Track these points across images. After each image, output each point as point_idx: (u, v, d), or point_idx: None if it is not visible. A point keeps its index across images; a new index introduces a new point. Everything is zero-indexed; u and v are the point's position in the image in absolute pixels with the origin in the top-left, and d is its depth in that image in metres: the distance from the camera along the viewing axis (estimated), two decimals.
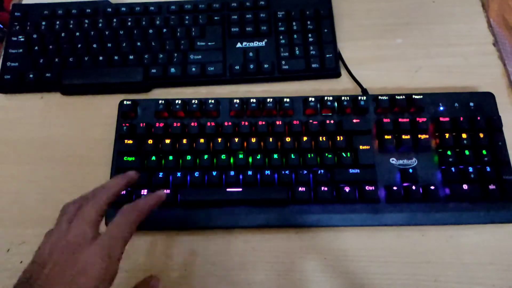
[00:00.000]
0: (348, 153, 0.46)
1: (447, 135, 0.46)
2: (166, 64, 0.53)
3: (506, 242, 0.44)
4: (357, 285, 0.42)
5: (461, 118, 0.46)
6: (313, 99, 0.48)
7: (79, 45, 0.54)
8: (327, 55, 0.53)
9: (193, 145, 0.46)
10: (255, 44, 0.54)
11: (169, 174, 0.45)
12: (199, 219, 0.44)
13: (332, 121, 0.47)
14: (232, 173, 0.45)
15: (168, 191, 0.44)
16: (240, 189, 0.44)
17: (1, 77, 0.53)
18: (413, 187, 0.44)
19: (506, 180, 0.44)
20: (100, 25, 0.56)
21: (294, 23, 0.55)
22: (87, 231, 0.31)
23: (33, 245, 0.44)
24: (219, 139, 0.46)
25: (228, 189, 0.44)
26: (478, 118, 0.46)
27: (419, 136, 0.46)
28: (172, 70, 0.53)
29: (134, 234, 0.34)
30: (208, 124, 0.47)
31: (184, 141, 0.46)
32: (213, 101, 0.48)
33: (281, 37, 0.54)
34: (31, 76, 0.53)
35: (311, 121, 0.47)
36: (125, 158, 0.46)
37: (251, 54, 0.53)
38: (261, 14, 0.55)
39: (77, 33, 0.55)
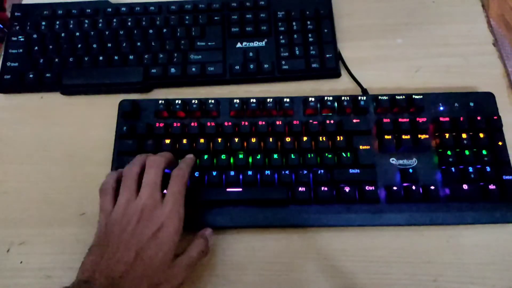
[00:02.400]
0: (348, 153, 0.46)
1: (447, 135, 0.46)
2: (166, 64, 0.53)
3: (506, 242, 0.44)
4: (357, 285, 0.42)
5: (461, 118, 0.46)
6: (313, 99, 0.48)
7: (79, 45, 0.54)
8: (327, 55, 0.53)
9: (193, 145, 0.46)
10: (255, 44, 0.54)
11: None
12: (199, 219, 0.44)
13: (332, 121, 0.47)
14: (232, 173, 0.45)
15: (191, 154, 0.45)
16: (240, 189, 0.44)
17: (1, 77, 0.53)
18: (413, 187, 0.44)
19: (506, 180, 0.44)
20: (100, 25, 0.56)
21: (294, 23, 0.55)
22: (156, 194, 0.38)
23: (33, 245, 0.45)
24: (219, 139, 0.46)
25: (228, 189, 0.44)
26: (478, 118, 0.46)
27: (419, 136, 0.46)
28: (172, 70, 0.53)
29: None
30: (208, 124, 0.47)
31: (184, 141, 0.46)
32: (213, 101, 0.48)
33: (281, 37, 0.54)
34: (31, 76, 0.53)
35: (311, 121, 0.47)
36: (125, 158, 0.46)
37: (251, 54, 0.53)
38: (261, 14, 0.55)
39: (77, 33, 0.55)
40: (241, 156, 0.46)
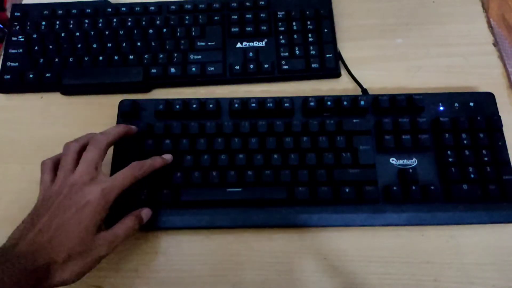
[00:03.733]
0: (348, 153, 0.46)
1: (447, 135, 0.46)
2: (166, 64, 0.53)
3: (506, 242, 0.44)
4: (357, 285, 0.42)
5: (461, 118, 0.46)
6: (313, 99, 0.48)
7: (79, 45, 0.54)
8: (327, 55, 0.53)
9: (193, 145, 0.46)
10: (255, 44, 0.54)
11: (169, 174, 0.45)
12: (199, 219, 0.44)
13: (332, 121, 0.47)
14: (232, 173, 0.45)
15: (170, 155, 0.45)
16: (240, 189, 0.44)
17: (1, 77, 0.53)
18: (413, 187, 0.44)
19: (506, 180, 0.44)
20: (100, 25, 0.55)
21: (294, 23, 0.55)
22: (90, 172, 0.39)
23: None
24: (219, 139, 0.46)
25: (228, 189, 0.44)
26: (478, 118, 0.46)
27: (419, 136, 0.46)
28: (172, 70, 0.53)
29: (136, 232, 0.41)
30: (208, 124, 0.47)
31: (184, 141, 0.46)
32: (213, 101, 0.48)
33: (281, 37, 0.54)
34: (31, 76, 0.53)
35: (311, 121, 0.47)
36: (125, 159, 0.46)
37: (251, 54, 0.53)
38: (261, 14, 0.55)
39: (77, 33, 0.55)
40: (241, 156, 0.46)
